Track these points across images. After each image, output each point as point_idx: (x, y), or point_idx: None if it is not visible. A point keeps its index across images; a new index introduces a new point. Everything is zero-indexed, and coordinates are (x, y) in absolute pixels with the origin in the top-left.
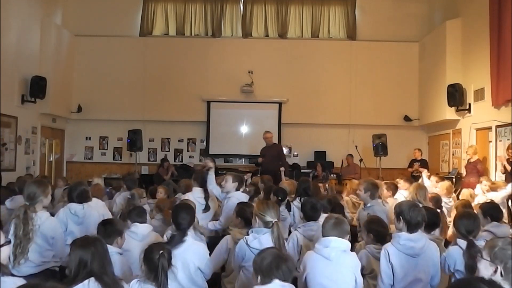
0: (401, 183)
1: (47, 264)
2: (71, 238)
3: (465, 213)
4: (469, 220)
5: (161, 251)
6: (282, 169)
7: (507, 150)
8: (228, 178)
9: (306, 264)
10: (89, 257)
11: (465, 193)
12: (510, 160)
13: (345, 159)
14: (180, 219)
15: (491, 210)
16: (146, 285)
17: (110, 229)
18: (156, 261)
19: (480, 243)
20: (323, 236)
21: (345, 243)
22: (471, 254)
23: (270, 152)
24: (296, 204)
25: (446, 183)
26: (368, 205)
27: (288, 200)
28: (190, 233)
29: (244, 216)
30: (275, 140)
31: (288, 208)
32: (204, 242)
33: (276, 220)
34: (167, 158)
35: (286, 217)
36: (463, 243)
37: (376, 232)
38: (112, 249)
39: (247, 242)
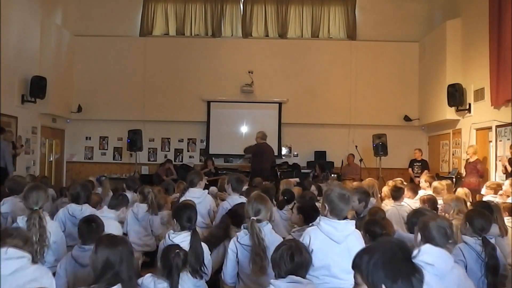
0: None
1: (50, 270)
2: (70, 240)
3: (479, 211)
4: (483, 218)
5: (177, 251)
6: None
7: (511, 149)
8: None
9: (311, 242)
10: (117, 258)
11: (460, 192)
12: None
13: (346, 159)
14: (186, 219)
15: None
16: (159, 281)
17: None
18: (171, 260)
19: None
20: (332, 209)
21: (351, 225)
22: (489, 252)
23: None
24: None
25: (438, 183)
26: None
27: (295, 202)
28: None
29: (236, 216)
30: (273, 140)
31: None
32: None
33: (253, 218)
34: (168, 159)
35: (287, 217)
36: (469, 239)
37: (373, 233)
38: None
39: (237, 238)
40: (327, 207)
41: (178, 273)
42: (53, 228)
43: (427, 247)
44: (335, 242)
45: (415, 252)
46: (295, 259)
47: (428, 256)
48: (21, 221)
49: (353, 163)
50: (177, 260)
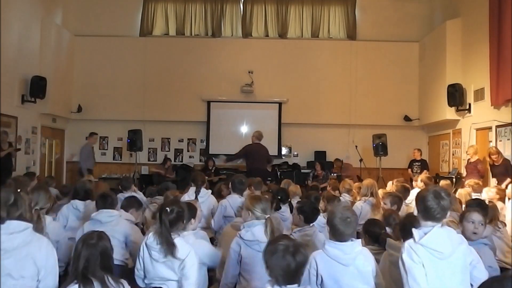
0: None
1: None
2: (71, 233)
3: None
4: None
5: (166, 208)
6: None
7: (489, 157)
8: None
9: (319, 268)
10: (86, 254)
11: (462, 192)
12: (496, 164)
13: (346, 159)
14: None
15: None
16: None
17: (110, 201)
18: (162, 217)
19: None
20: (335, 235)
21: (358, 245)
22: None
23: None
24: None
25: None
26: None
27: (290, 201)
28: (193, 231)
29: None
30: (273, 140)
31: (290, 209)
32: (207, 240)
33: (268, 216)
34: (168, 157)
35: (288, 217)
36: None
37: (372, 233)
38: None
39: (240, 235)
40: (329, 229)
41: (168, 231)
42: (56, 229)
43: (435, 232)
44: (343, 266)
45: (418, 234)
46: (297, 258)
47: (436, 241)
48: None
49: (346, 164)
50: (163, 217)
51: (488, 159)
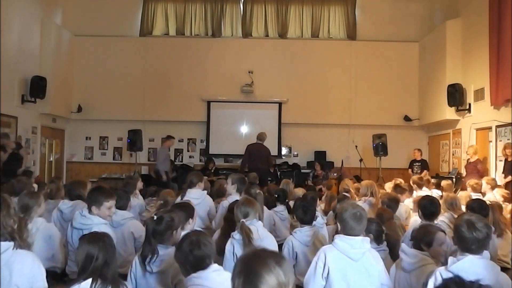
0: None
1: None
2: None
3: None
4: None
5: (152, 216)
6: None
7: (504, 150)
8: (228, 180)
9: (327, 261)
10: (95, 252)
11: (462, 195)
12: (509, 160)
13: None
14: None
15: (477, 208)
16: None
17: (96, 194)
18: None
19: None
20: (346, 229)
21: (367, 243)
22: None
23: None
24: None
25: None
26: None
27: (288, 201)
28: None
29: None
30: (273, 140)
31: (288, 209)
32: None
33: (243, 220)
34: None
35: (286, 217)
36: None
37: (375, 231)
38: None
39: (233, 236)
40: (339, 225)
41: (150, 241)
42: (48, 227)
43: (468, 260)
44: (352, 260)
45: (451, 261)
46: (194, 253)
47: (468, 270)
48: None
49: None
50: (147, 226)
51: (503, 152)
